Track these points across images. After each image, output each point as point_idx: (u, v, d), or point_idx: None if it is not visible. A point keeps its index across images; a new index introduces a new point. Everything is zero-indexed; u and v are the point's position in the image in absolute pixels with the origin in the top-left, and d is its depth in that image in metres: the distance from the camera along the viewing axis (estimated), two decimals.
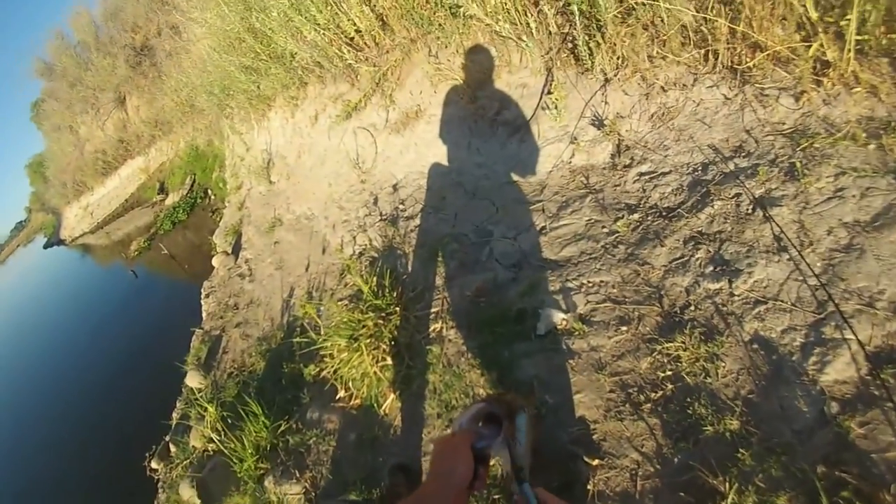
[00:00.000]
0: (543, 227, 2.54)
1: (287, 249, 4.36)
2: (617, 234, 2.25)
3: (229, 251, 5.23)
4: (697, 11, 2.24)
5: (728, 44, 2.22)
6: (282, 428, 2.75)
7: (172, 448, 3.47)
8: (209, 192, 9.00)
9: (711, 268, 1.86)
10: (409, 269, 2.99)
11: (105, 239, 14.95)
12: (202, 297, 4.89)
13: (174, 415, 3.77)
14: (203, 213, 8.83)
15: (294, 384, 3.00)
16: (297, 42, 4.17)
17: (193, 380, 3.80)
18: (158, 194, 11.67)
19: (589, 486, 1.57)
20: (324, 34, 3.91)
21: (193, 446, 3.23)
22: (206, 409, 3.10)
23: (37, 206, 30.20)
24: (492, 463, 1.02)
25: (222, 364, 3.84)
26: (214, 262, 5.25)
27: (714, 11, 2.17)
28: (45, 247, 24.63)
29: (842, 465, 1.25)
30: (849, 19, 1.77)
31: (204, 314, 4.69)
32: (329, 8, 3.80)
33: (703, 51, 2.32)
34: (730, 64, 2.26)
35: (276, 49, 4.56)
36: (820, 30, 1.89)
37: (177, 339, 4.63)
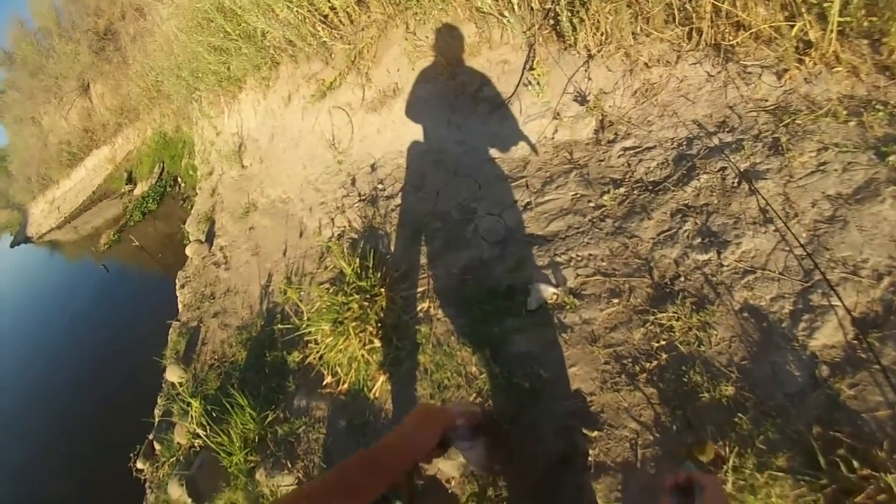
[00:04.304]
0: (528, 203, 2.52)
1: (263, 235, 4.25)
2: (603, 208, 2.24)
3: (203, 239, 5.06)
4: None
5: (712, 22, 2.25)
6: (269, 418, 2.68)
7: (157, 446, 3.35)
8: (179, 179, 8.78)
9: (699, 239, 1.88)
10: (392, 249, 2.92)
11: (73, 234, 14.51)
12: (177, 288, 4.73)
13: (156, 412, 3.64)
14: (174, 202, 8.64)
15: (278, 372, 2.92)
16: (269, 20, 4.03)
17: (173, 374, 3.68)
18: (126, 185, 11.32)
19: (589, 458, 1.57)
20: (297, 11, 3.79)
21: (179, 443, 3.12)
22: (189, 404, 2.99)
23: (1, 203, 29.13)
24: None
25: (202, 356, 3.73)
26: (188, 251, 5.08)
27: None
28: (12, 245, 23.70)
29: (835, 426, 1.28)
30: (832, 1, 1.82)
31: (180, 306, 4.54)
32: None
33: (686, 28, 2.34)
34: (713, 41, 2.29)
35: (247, 28, 4.42)
36: (803, 10, 1.94)
37: (153, 333, 4.48)
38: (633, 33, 2.50)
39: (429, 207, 2.92)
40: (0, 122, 20.73)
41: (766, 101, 2.09)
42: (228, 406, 2.71)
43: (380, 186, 3.37)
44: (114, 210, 11.56)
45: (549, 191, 2.49)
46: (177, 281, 4.80)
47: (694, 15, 2.27)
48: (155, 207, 9.16)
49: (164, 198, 9.17)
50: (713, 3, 2.16)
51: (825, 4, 1.86)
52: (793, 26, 1.97)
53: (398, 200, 3.16)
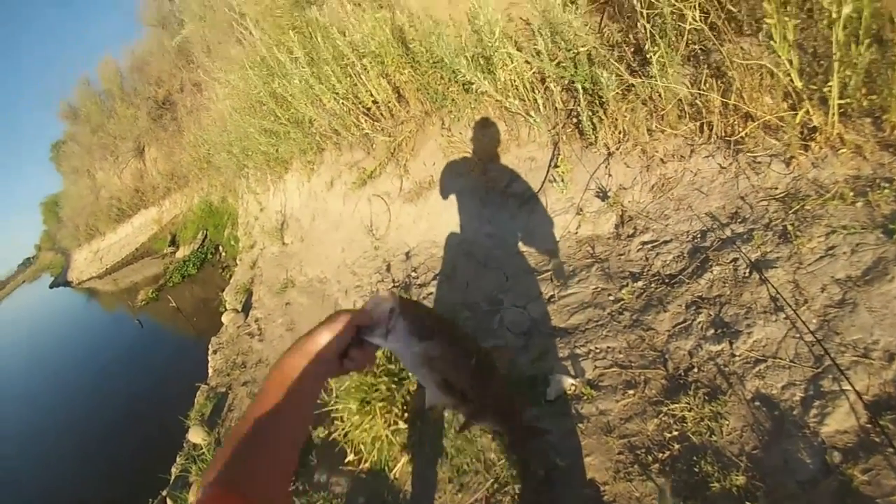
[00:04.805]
0: (552, 296, 2.62)
1: (299, 311, 4.42)
2: (622, 302, 2.33)
3: (239, 309, 5.27)
4: (692, 86, 2.40)
5: (721, 115, 2.36)
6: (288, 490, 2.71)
7: (170, 503, 3.38)
8: (221, 248, 9.09)
9: (712, 330, 1.93)
10: None
11: (112, 285, 15.01)
12: (209, 352, 4.88)
13: (174, 469, 3.66)
14: (213, 270, 8.90)
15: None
16: (317, 109, 4.41)
17: (197, 435, 3.74)
18: (169, 246, 11.82)
19: None
20: (342, 103, 4.14)
21: (192, 502, 3.15)
22: (208, 465, 3.04)
23: (47, 244, 30.47)
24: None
25: (227, 421, 3.81)
26: (224, 318, 5.28)
27: (707, 86, 2.32)
28: (51, 286, 24.69)
29: None
30: (831, 85, 1.90)
31: (210, 370, 4.67)
32: (348, 79, 4.06)
33: (698, 123, 2.45)
34: (724, 134, 2.39)
35: (296, 114, 4.79)
36: (805, 97, 2.01)
37: (180, 393, 4.56)
38: (648, 130, 2.63)
39: (459, 297, 3.05)
40: (58, 170, 21.81)
41: (776, 188, 2.16)
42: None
43: (413, 274, 3.52)
44: (154, 269, 11.93)
45: (572, 284, 2.59)
46: (210, 346, 4.96)
47: (704, 110, 2.39)
48: (195, 272, 9.41)
49: (204, 264, 9.46)
50: (721, 99, 2.28)
51: (825, 89, 1.94)
52: (796, 114, 2.05)
53: (430, 289, 3.30)
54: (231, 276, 6.35)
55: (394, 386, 2.62)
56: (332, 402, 2.72)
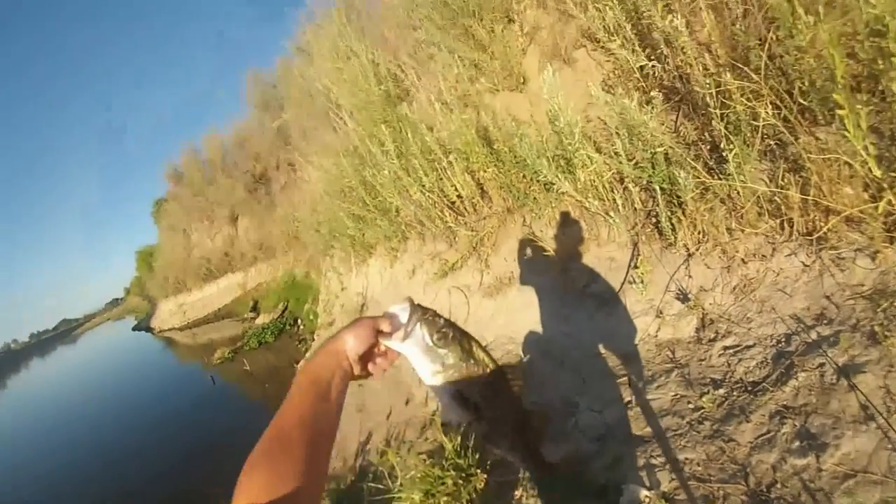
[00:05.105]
0: (629, 402, 2.55)
1: (370, 394, 4.48)
2: (702, 410, 2.23)
3: None
4: (769, 182, 2.37)
5: (801, 211, 2.30)
6: None
7: None
8: (299, 321, 9.43)
9: (798, 442, 1.81)
10: None
11: (190, 339, 15.98)
12: None
13: None
14: (289, 340, 9.23)
15: None
16: (404, 199, 4.68)
17: None
18: (251, 312, 12.45)
19: None
20: (428, 196, 4.40)
21: None
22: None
23: (136, 290, 33.03)
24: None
25: None
26: None
27: (785, 181, 2.29)
28: (134, 329, 26.65)
29: None
30: None
31: None
32: (435, 173, 4.34)
33: (778, 220, 2.40)
34: (805, 231, 2.32)
35: (384, 203, 5.10)
36: (886, 185, 1.95)
37: (244, 454, 4.67)
38: (728, 229, 2.59)
39: (533, 397, 3.02)
40: (156, 224, 23.77)
41: (863, 285, 2.04)
42: None
43: None
44: (232, 331, 12.55)
45: (650, 390, 2.52)
46: None
47: (783, 206, 2.34)
48: (272, 340, 9.77)
49: (281, 333, 9.82)
50: (800, 195, 2.22)
51: None
52: (877, 205, 1.97)
53: None
54: (307, 350, 6.55)
55: (461, 482, 2.60)
56: (396, 490, 2.72)
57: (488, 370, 0.92)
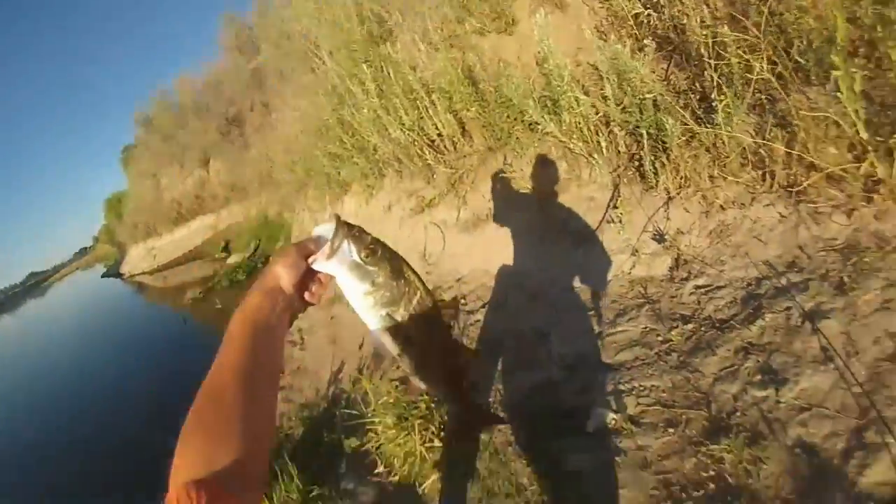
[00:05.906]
0: (600, 332, 2.63)
1: (343, 325, 4.51)
2: (670, 343, 2.33)
3: None
4: (756, 135, 2.40)
5: (784, 165, 2.35)
6: (314, 493, 2.75)
7: None
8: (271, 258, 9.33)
9: (759, 376, 1.92)
10: None
11: (161, 282, 15.72)
12: None
13: None
14: None
15: (332, 454, 3.03)
16: (382, 138, 4.60)
17: None
18: (222, 252, 12.27)
19: None
20: (408, 134, 4.32)
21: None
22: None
23: (105, 238, 32.16)
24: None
25: None
26: None
27: (772, 135, 2.32)
28: (104, 276, 26.08)
29: None
30: None
31: None
32: (416, 112, 4.24)
33: (761, 172, 2.45)
34: (786, 184, 2.38)
35: (362, 141, 5.00)
36: (870, 148, 1.99)
37: None
38: (710, 176, 2.64)
39: (506, 326, 3.08)
40: (125, 171, 23.17)
41: (836, 240, 2.13)
42: (277, 470, 2.81)
43: (463, 300, 3.59)
44: (204, 271, 12.39)
45: (621, 322, 2.60)
46: None
47: (767, 158, 2.39)
48: (244, 279, 9.68)
49: (253, 272, 9.66)
50: (785, 149, 2.27)
51: (892, 141, 1.92)
52: (860, 165, 2.03)
53: (478, 316, 3.35)
54: None
55: (433, 405, 2.66)
56: (369, 414, 2.78)
57: (419, 293, 0.87)
